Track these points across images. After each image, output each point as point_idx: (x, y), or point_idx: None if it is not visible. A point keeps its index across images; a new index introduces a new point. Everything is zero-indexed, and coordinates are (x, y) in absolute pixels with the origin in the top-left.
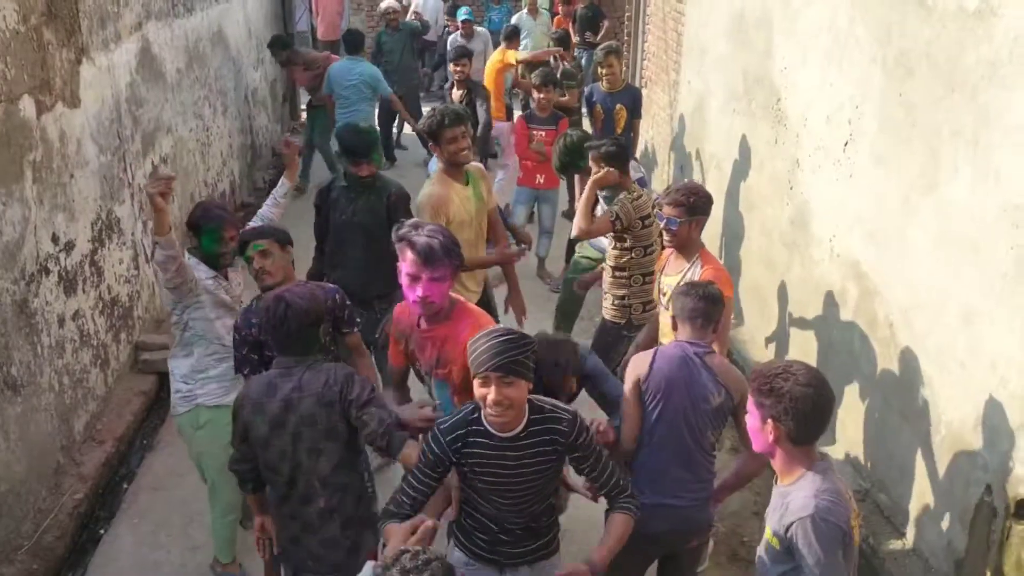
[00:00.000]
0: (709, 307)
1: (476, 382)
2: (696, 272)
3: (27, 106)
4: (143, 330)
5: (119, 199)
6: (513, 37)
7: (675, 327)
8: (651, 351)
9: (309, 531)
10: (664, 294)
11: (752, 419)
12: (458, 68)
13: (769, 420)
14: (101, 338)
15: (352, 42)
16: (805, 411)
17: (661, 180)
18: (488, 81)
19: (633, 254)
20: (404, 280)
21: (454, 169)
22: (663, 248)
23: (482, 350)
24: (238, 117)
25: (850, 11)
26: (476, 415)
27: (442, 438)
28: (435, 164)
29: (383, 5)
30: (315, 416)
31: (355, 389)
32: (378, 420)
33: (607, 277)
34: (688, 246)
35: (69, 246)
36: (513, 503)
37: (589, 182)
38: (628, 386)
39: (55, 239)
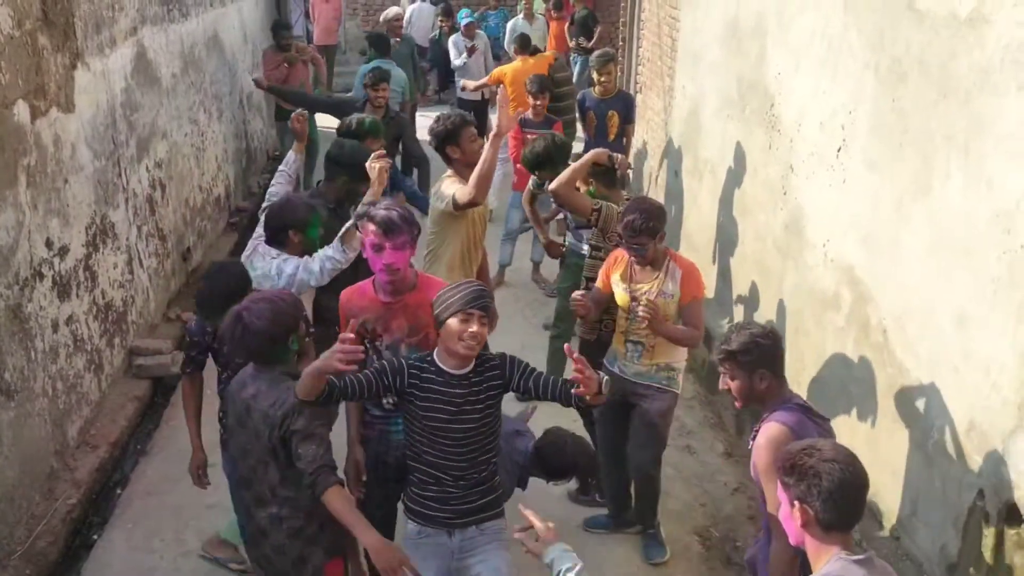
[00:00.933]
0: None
1: (455, 319)
2: (675, 275)
3: (21, 111)
4: (137, 335)
5: (114, 204)
6: (527, 45)
7: (760, 382)
8: (781, 427)
9: (262, 534)
10: (636, 300)
11: (784, 506)
12: (377, 94)
13: (796, 502)
14: (95, 343)
15: (381, 45)
16: (831, 489)
17: (657, 185)
18: (517, 90)
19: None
20: (368, 252)
21: (467, 171)
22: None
23: (463, 293)
24: (233, 122)
25: (843, 18)
26: (430, 358)
27: (405, 361)
28: None
29: (389, 12)
30: (259, 431)
31: (299, 421)
32: (310, 459)
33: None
34: (655, 259)
35: (63, 251)
36: (457, 444)
37: (586, 155)
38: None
39: (49, 244)
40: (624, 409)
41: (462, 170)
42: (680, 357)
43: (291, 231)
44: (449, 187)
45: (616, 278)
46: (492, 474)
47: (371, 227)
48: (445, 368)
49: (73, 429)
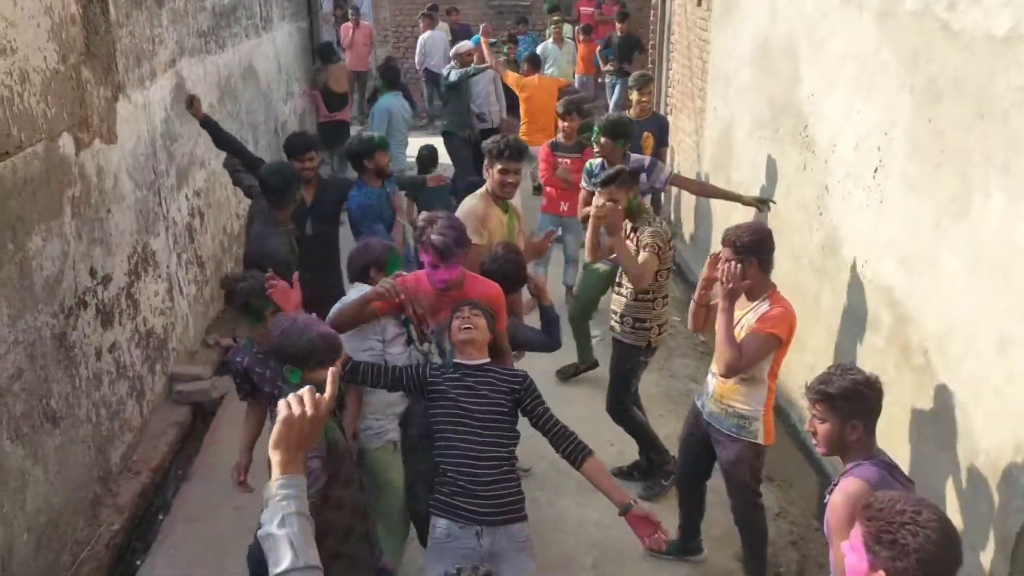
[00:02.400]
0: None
1: (454, 319)
2: (757, 312)
3: (66, 143)
4: (177, 361)
5: (154, 232)
6: (536, 64)
7: (850, 432)
8: (860, 483)
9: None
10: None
11: (857, 559)
12: (303, 165)
13: (882, 573)
14: (137, 370)
15: (389, 76)
16: (936, 568)
17: (688, 207)
18: (531, 106)
19: (659, 277)
20: (426, 268)
21: (498, 198)
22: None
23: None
24: (268, 150)
25: (876, 38)
26: (449, 361)
27: (429, 366)
28: None
29: (463, 46)
30: None
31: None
32: None
33: (624, 300)
34: (749, 287)
35: (106, 279)
36: (477, 430)
37: (591, 220)
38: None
39: (93, 273)
40: (706, 443)
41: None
42: (753, 403)
43: (372, 269)
44: (471, 201)
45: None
46: (514, 474)
47: (430, 251)
48: (462, 361)
49: (116, 455)
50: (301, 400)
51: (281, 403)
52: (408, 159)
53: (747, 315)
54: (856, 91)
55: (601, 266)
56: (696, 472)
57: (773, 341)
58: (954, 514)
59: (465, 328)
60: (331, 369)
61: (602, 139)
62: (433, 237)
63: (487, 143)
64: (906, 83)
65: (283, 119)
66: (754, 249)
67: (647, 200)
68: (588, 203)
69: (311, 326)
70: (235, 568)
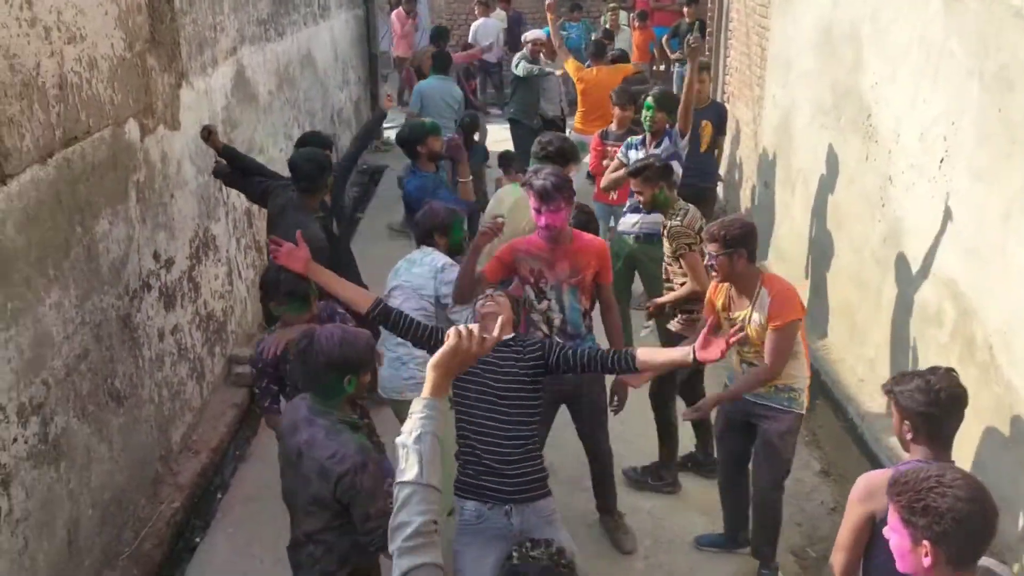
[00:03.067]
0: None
1: (478, 306)
2: (764, 302)
3: (132, 129)
4: (235, 344)
5: (215, 217)
6: (603, 52)
7: (911, 443)
8: (885, 473)
9: (297, 566)
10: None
11: (899, 538)
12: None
13: (925, 543)
14: (197, 352)
15: (440, 62)
16: (971, 531)
17: (745, 196)
18: (589, 99)
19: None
20: (532, 213)
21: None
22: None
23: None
24: None
25: (943, 24)
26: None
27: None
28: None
29: (531, 35)
30: (310, 480)
31: (366, 480)
32: (377, 516)
33: (672, 294)
34: (740, 279)
35: (169, 263)
36: (501, 409)
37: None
38: (855, 516)
39: (156, 256)
40: (746, 430)
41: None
42: (800, 375)
43: (436, 234)
44: (516, 192)
45: (718, 306)
46: (537, 446)
47: (531, 192)
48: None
49: (177, 435)
50: (472, 333)
51: (452, 331)
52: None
53: (753, 314)
54: (921, 78)
55: (628, 239)
56: (739, 458)
57: (794, 326)
58: (1020, 514)
59: (490, 306)
60: (501, 319)
61: (657, 114)
62: (535, 182)
63: (539, 141)
64: (975, 70)
65: (339, 106)
66: (742, 241)
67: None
68: (621, 180)
69: (334, 335)
70: None
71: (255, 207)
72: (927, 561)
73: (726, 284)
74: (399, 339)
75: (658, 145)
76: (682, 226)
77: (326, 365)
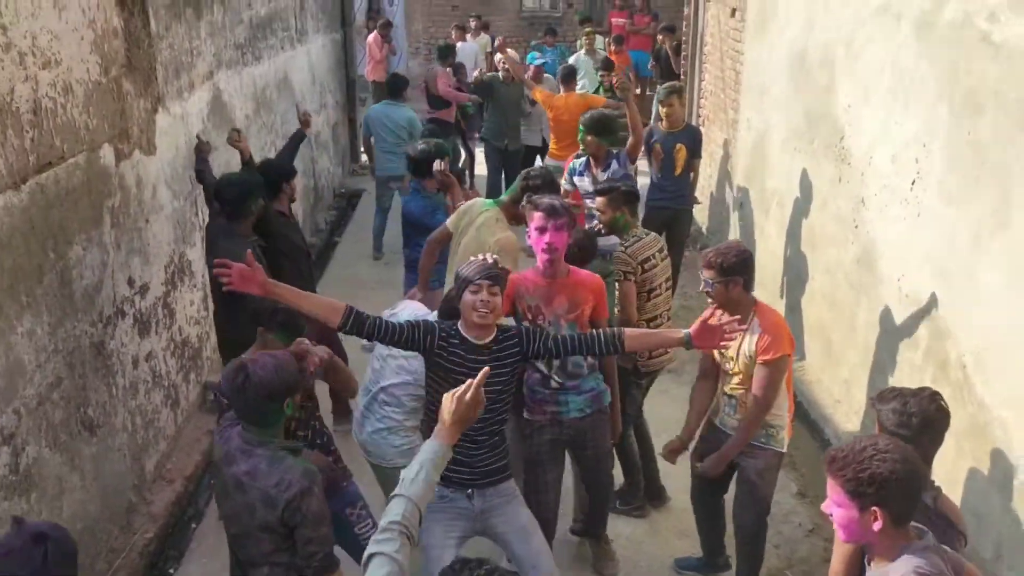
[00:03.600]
0: (916, 427)
1: (468, 291)
2: (754, 335)
3: (107, 154)
4: (211, 370)
5: (191, 242)
6: (570, 78)
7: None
8: None
9: None
10: (729, 358)
11: (845, 511)
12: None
13: (874, 508)
14: (172, 379)
15: (391, 86)
16: (909, 491)
17: (720, 219)
18: (559, 126)
19: (640, 300)
20: (533, 234)
21: (514, 222)
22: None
23: (475, 267)
24: (301, 160)
25: (915, 49)
26: (456, 327)
27: (437, 324)
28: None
29: (499, 56)
30: (255, 508)
31: (312, 503)
32: (319, 542)
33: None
34: (732, 305)
35: (144, 289)
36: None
37: None
38: (844, 551)
39: (131, 282)
40: (725, 468)
41: (510, 215)
42: (780, 412)
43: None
44: (501, 233)
45: None
46: (503, 436)
47: (537, 212)
48: (468, 338)
49: (151, 463)
50: (460, 398)
51: (444, 401)
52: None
53: (742, 345)
54: (893, 102)
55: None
56: (715, 489)
57: (784, 361)
58: (993, 533)
59: (482, 313)
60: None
61: (588, 137)
62: (541, 201)
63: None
64: (945, 94)
65: (316, 130)
66: (739, 270)
67: None
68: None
69: (268, 364)
70: None
71: None
72: (877, 525)
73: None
74: (385, 410)
75: (605, 169)
76: (624, 253)
77: (267, 396)
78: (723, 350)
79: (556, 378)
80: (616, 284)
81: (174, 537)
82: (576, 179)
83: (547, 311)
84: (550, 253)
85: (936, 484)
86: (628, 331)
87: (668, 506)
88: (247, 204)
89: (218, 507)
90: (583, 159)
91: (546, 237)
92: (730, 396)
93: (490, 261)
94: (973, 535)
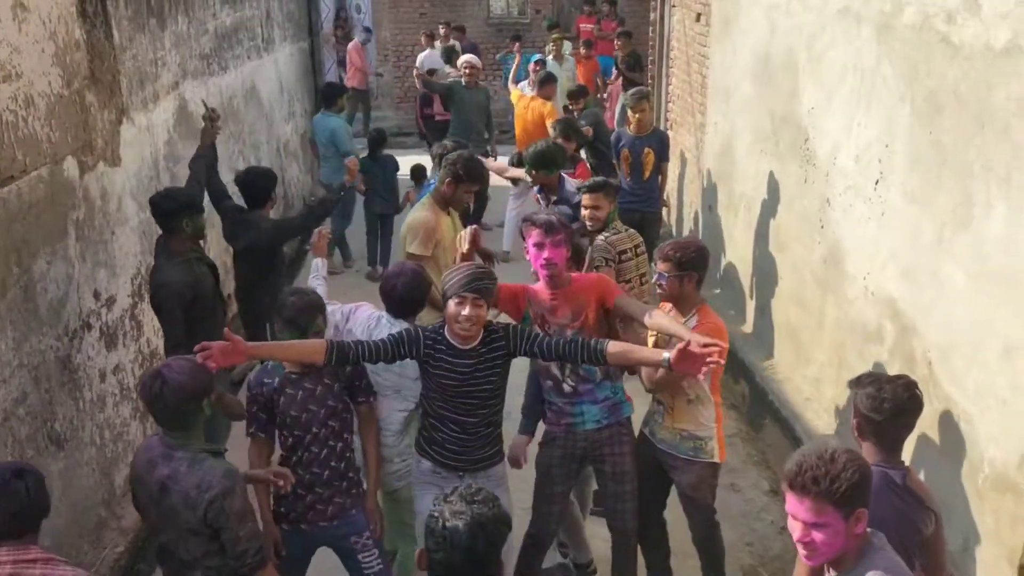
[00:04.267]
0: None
1: (452, 301)
2: (691, 324)
3: (71, 167)
4: None
5: None
6: (545, 83)
7: (859, 437)
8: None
9: None
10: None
11: (831, 526)
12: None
13: (860, 510)
14: None
15: (327, 96)
16: (869, 487)
17: (689, 221)
18: (521, 126)
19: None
20: (532, 251)
21: (446, 206)
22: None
23: (459, 277)
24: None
25: (875, 51)
26: (442, 330)
27: (421, 331)
28: None
29: (464, 59)
30: (179, 512)
31: (234, 503)
32: (245, 538)
33: None
34: (682, 300)
35: (110, 301)
36: (470, 402)
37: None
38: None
39: (97, 295)
40: (660, 476)
41: (441, 200)
42: (706, 423)
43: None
44: (419, 211)
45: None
46: (498, 424)
47: (534, 229)
48: (454, 342)
49: (120, 477)
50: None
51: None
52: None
53: (672, 341)
54: (856, 104)
55: None
56: (654, 502)
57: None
58: (960, 526)
59: (465, 327)
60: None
61: (533, 172)
62: (538, 217)
63: (447, 158)
64: (906, 95)
65: (285, 139)
66: (696, 265)
67: None
68: None
69: (183, 368)
70: None
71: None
72: (861, 527)
73: (667, 304)
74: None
75: (559, 194)
76: (605, 242)
77: (187, 399)
78: (657, 341)
79: (569, 381)
80: (595, 271)
81: (145, 551)
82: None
83: (552, 321)
84: (549, 269)
85: (906, 464)
86: (612, 344)
87: None
88: (177, 219)
89: (144, 517)
90: (536, 188)
91: (544, 253)
92: (659, 403)
93: (476, 267)
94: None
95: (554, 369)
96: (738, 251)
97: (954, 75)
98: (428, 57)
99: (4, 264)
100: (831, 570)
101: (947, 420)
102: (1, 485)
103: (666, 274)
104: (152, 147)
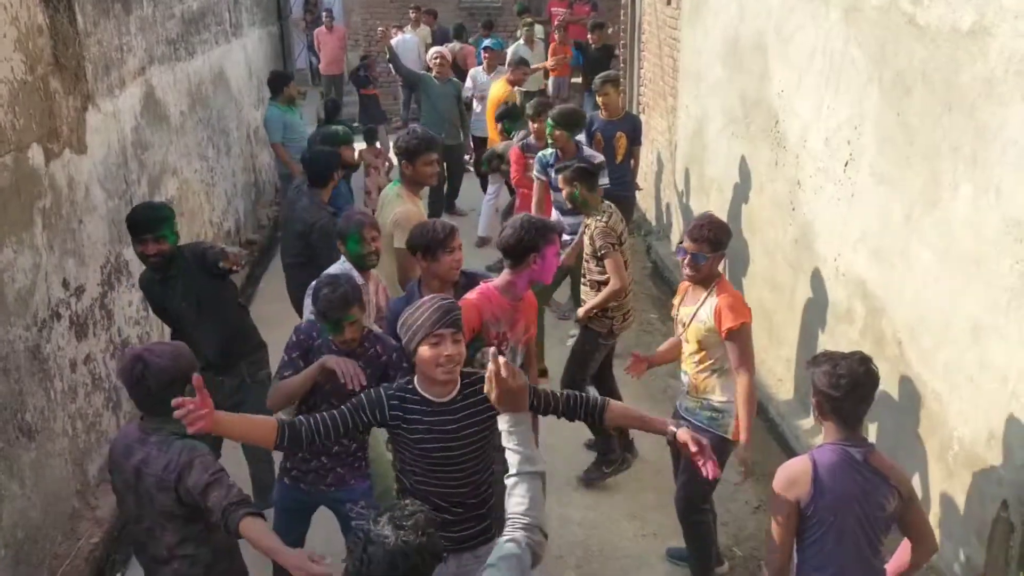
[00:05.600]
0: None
1: (425, 347)
2: (710, 305)
3: (36, 154)
4: None
5: (127, 242)
6: (518, 67)
7: (820, 418)
8: (805, 460)
9: None
10: (683, 324)
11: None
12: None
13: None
14: (113, 381)
15: (273, 85)
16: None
17: (662, 204)
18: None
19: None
20: (551, 258)
21: (416, 188)
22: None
23: (427, 315)
24: (241, 156)
25: (843, 33)
26: (411, 385)
27: (384, 392)
28: None
29: (431, 51)
30: (153, 496)
31: (192, 476)
32: (217, 503)
33: (588, 290)
34: (708, 279)
35: (79, 291)
36: (457, 470)
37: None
38: (780, 504)
39: (65, 284)
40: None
41: (411, 185)
42: (728, 397)
43: (338, 240)
44: (400, 205)
45: (676, 300)
46: (490, 496)
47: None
48: (429, 396)
49: (93, 468)
50: (499, 368)
51: (489, 372)
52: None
53: (703, 306)
54: (825, 86)
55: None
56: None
57: (747, 329)
58: (930, 502)
59: (448, 368)
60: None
61: (556, 131)
62: (550, 223)
63: (401, 144)
64: (874, 77)
65: (255, 125)
66: (726, 243)
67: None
68: (540, 194)
69: (164, 352)
70: None
71: None
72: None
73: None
74: None
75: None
76: (607, 226)
77: (169, 383)
78: (682, 317)
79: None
80: (603, 259)
81: (120, 541)
82: (550, 171)
83: (512, 336)
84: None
85: (869, 441)
86: (612, 405)
87: (618, 490)
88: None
89: (121, 505)
90: (552, 151)
91: (555, 260)
92: (684, 372)
93: (442, 302)
94: None
95: None
96: None
97: (921, 57)
98: (401, 43)
99: None
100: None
101: (917, 399)
102: (122, 366)
103: (703, 255)
104: (119, 134)
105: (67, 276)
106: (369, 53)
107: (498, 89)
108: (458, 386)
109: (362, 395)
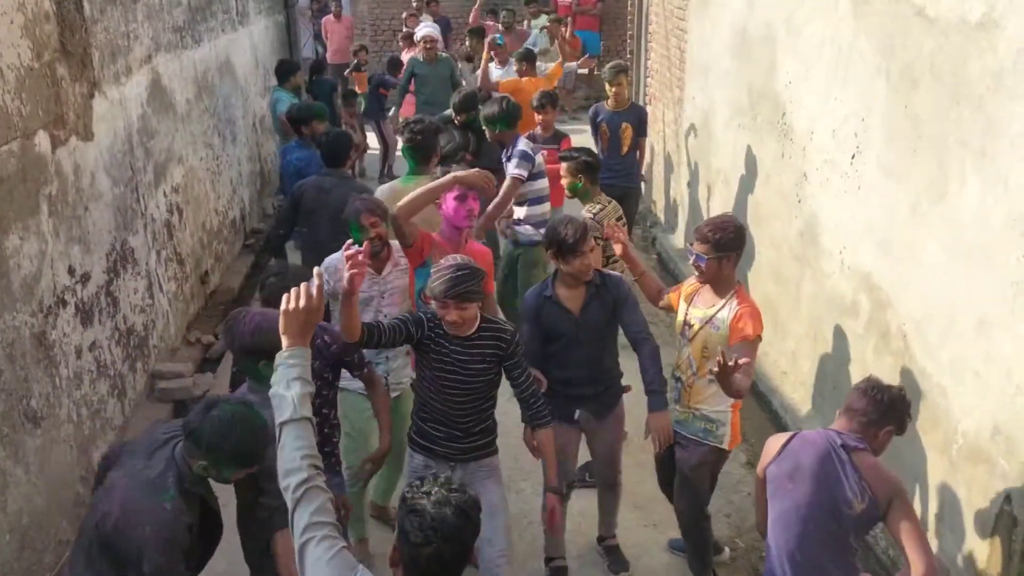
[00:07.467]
0: (882, 411)
1: (437, 306)
2: (729, 311)
3: (42, 141)
4: (158, 359)
5: (133, 230)
6: (530, 60)
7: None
8: (789, 433)
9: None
10: (690, 325)
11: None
12: None
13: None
14: (118, 368)
15: (280, 71)
16: None
17: (668, 196)
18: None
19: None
20: (451, 204)
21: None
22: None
23: (440, 282)
24: (247, 145)
25: (852, 25)
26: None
27: (425, 315)
28: None
29: (419, 32)
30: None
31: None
32: (274, 498)
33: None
34: (719, 282)
35: (85, 278)
36: (460, 395)
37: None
38: (760, 468)
39: (71, 271)
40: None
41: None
42: (722, 407)
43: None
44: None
45: (681, 298)
46: (491, 418)
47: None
48: (449, 332)
49: (98, 454)
50: (297, 295)
51: (284, 297)
52: None
53: (720, 312)
54: (833, 78)
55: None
56: (671, 479)
57: (757, 344)
58: (933, 496)
59: (453, 329)
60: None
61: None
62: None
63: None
64: (882, 69)
65: (261, 113)
66: (735, 245)
67: None
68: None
69: (265, 320)
70: (220, 566)
71: (175, 219)
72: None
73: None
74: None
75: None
76: (594, 220)
77: (258, 351)
78: (689, 319)
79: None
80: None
81: None
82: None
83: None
84: (471, 221)
85: (864, 443)
86: (544, 433)
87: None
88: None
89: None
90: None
91: (468, 204)
92: (677, 379)
93: (460, 267)
94: (916, 499)
95: None
96: None
97: (929, 49)
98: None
99: None
100: None
101: (921, 393)
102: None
103: (705, 256)
104: (125, 121)
105: (73, 263)
106: (364, 46)
107: (521, 83)
108: (476, 326)
109: (408, 314)
